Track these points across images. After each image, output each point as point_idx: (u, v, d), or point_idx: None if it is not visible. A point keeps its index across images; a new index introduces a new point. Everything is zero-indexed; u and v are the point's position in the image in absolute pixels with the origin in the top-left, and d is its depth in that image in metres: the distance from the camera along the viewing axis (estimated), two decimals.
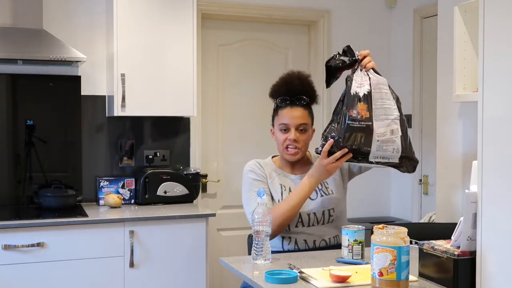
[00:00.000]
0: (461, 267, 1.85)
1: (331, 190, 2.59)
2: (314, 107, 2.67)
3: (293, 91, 2.59)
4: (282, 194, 2.56)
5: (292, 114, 2.56)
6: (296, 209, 2.44)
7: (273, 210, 2.40)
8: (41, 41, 3.46)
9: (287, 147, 2.57)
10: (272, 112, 2.69)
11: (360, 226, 2.30)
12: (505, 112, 1.67)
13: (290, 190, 2.56)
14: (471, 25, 2.88)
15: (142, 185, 3.71)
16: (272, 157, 2.72)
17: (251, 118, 4.32)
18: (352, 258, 2.23)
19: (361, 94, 2.27)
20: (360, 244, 2.24)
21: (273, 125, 2.68)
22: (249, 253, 2.60)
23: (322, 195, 2.56)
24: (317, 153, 2.35)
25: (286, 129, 2.57)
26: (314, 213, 2.54)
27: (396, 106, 2.30)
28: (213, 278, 3.88)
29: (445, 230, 2.30)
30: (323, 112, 4.33)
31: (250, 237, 2.68)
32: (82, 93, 3.78)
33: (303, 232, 2.53)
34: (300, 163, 2.65)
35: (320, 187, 2.57)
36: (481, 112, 1.75)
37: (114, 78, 3.55)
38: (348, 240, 2.25)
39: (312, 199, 2.55)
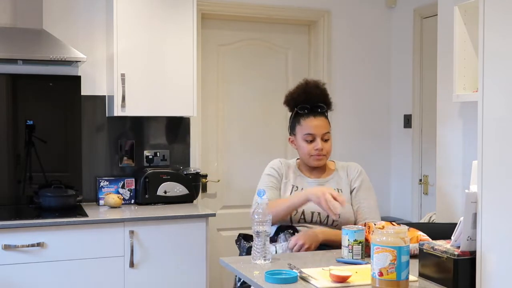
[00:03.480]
0: (461, 267, 1.85)
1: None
2: None
3: (312, 100, 2.62)
4: (291, 193, 2.62)
5: (317, 124, 2.61)
6: (281, 212, 2.47)
7: (270, 203, 2.49)
8: (41, 41, 3.46)
9: (314, 155, 2.62)
10: (290, 120, 2.71)
11: (360, 226, 2.30)
12: (505, 112, 1.67)
13: (302, 190, 2.61)
14: (471, 25, 2.88)
15: (142, 185, 3.71)
16: (297, 159, 2.77)
17: (251, 118, 4.32)
18: (352, 258, 2.22)
19: None
20: (360, 244, 2.24)
21: (292, 133, 2.70)
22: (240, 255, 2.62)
23: None
24: None
25: (312, 139, 2.61)
26: (319, 213, 2.55)
27: None
28: (213, 278, 3.88)
29: (445, 230, 2.30)
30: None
31: (238, 240, 2.66)
32: (82, 93, 3.78)
33: (305, 227, 2.56)
34: (319, 168, 2.70)
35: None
36: (481, 112, 1.75)
37: (114, 78, 3.55)
38: (348, 240, 2.24)
39: None
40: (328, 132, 2.63)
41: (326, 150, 2.62)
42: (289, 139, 2.73)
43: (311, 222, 2.56)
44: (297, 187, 2.64)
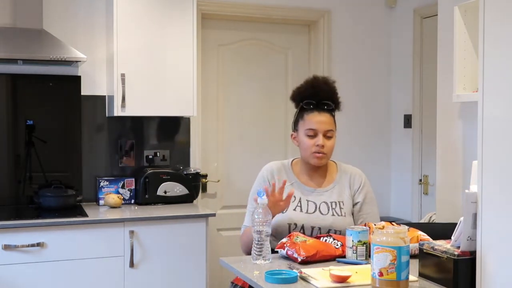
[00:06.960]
0: (461, 267, 1.85)
1: (345, 213, 2.51)
2: None
3: (319, 95, 2.53)
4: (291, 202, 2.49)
5: (320, 119, 2.51)
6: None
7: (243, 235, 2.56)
8: (41, 41, 3.46)
9: (314, 152, 2.51)
10: (295, 115, 2.61)
11: (364, 227, 2.28)
12: (505, 112, 1.67)
13: (300, 201, 2.51)
14: (471, 25, 2.88)
15: (142, 185, 3.71)
16: (292, 160, 2.66)
17: (251, 118, 4.32)
18: (357, 259, 2.21)
19: None
20: (365, 245, 2.22)
21: (295, 129, 2.60)
22: None
23: (333, 214, 2.50)
24: None
25: (313, 135, 2.51)
26: (319, 228, 2.48)
27: None
28: (213, 278, 3.88)
29: (445, 230, 2.30)
30: None
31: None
32: (82, 93, 3.78)
33: None
34: (319, 172, 2.58)
35: (333, 206, 2.51)
36: (481, 112, 1.75)
37: (114, 78, 3.55)
38: (353, 241, 2.22)
39: (323, 214, 2.49)
40: (332, 130, 2.52)
41: (327, 148, 2.50)
42: (292, 135, 2.62)
43: (311, 236, 2.44)
44: (294, 197, 2.50)
